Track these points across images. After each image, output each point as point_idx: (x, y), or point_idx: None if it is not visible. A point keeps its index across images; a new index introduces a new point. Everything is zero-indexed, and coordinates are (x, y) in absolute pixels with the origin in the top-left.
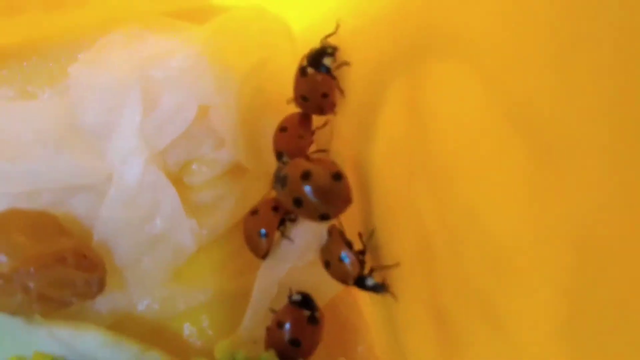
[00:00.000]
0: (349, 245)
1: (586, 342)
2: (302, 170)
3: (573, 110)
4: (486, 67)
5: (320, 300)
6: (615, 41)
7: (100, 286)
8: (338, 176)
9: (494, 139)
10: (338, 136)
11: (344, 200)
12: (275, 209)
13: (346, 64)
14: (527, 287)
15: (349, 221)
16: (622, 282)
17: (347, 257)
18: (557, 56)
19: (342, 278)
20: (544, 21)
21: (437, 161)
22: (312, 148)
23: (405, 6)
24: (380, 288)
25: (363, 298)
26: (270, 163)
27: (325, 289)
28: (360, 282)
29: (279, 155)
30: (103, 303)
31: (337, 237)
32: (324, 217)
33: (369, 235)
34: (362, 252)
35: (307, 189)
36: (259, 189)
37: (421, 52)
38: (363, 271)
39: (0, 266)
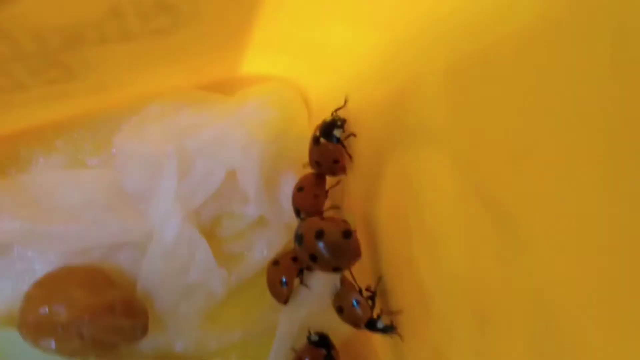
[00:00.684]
0: (360, 292)
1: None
2: (315, 229)
3: (528, 183)
4: (449, 150)
5: (337, 339)
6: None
7: (144, 330)
8: (348, 234)
9: (464, 207)
10: (349, 195)
11: (354, 255)
12: (294, 259)
13: (353, 135)
14: (502, 331)
15: (360, 270)
16: (575, 327)
17: (358, 303)
18: (507, 138)
19: (354, 322)
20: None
21: (427, 223)
22: (327, 204)
23: (388, 94)
24: (388, 329)
25: (375, 338)
26: (291, 217)
27: (341, 330)
28: (370, 325)
29: (297, 211)
30: (146, 345)
31: (348, 285)
32: (336, 270)
33: (376, 283)
34: (371, 298)
35: (321, 246)
36: (281, 240)
37: (403, 136)
38: (373, 315)
39: (59, 316)
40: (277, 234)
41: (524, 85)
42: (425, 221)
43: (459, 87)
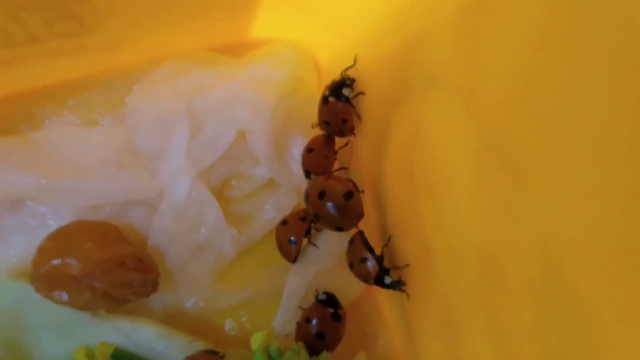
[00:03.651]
0: (370, 248)
1: (558, 339)
2: (319, 189)
3: (539, 137)
4: (459, 103)
5: (344, 300)
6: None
7: (155, 286)
8: (350, 195)
9: (475, 161)
10: (357, 155)
11: (356, 215)
12: (303, 219)
13: (362, 93)
14: (508, 286)
15: (369, 228)
16: (580, 281)
17: (368, 259)
18: (523, 89)
19: (364, 277)
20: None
21: (435, 179)
22: (336, 165)
23: (400, 49)
24: (396, 285)
25: (382, 300)
26: (300, 179)
27: (348, 289)
28: (379, 281)
29: (306, 173)
30: (156, 301)
31: (359, 242)
32: (339, 229)
33: (385, 241)
34: (380, 255)
35: (324, 205)
36: (290, 202)
37: (415, 88)
38: (382, 271)
39: (71, 269)
40: (286, 196)
41: (535, 33)
42: (432, 177)
43: (470, 37)
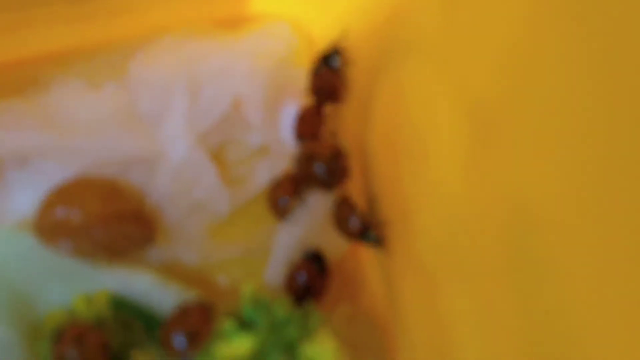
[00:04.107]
0: (354, 208)
1: (520, 277)
2: (308, 152)
3: (513, 103)
4: (443, 67)
5: (330, 257)
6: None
7: (152, 239)
8: (337, 156)
9: (451, 126)
10: (345, 123)
11: (343, 176)
12: (293, 180)
13: (351, 62)
14: (481, 240)
15: (355, 191)
16: (549, 233)
17: (352, 217)
18: (500, 54)
19: (348, 233)
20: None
21: (414, 143)
22: (325, 133)
23: (385, 20)
24: (378, 241)
25: (366, 259)
26: (292, 146)
27: (334, 248)
28: (362, 237)
29: (298, 140)
30: (153, 254)
31: (344, 202)
32: (327, 189)
33: (369, 202)
34: (364, 214)
35: (314, 166)
36: (282, 167)
37: (398, 55)
38: (365, 228)
39: (74, 220)
40: (279, 161)
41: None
42: (412, 141)
43: (453, 7)
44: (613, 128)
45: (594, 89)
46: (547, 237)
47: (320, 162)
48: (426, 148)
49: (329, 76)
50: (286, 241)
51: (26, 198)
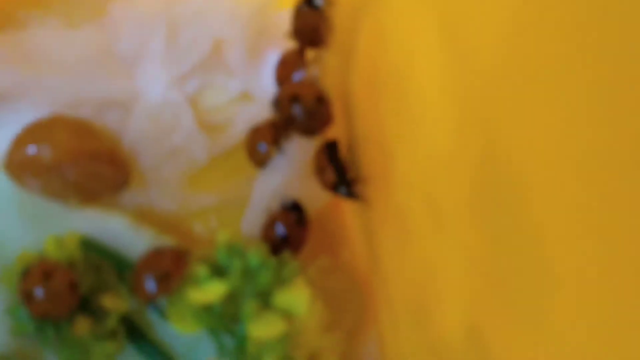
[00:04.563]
0: (333, 157)
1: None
2: (291, 92)
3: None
4: (434, 10)
5: (309, 208)
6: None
7: (125, 181)
8: (321, 99)
9: (429, 54)
10: (328, 67)
11: (326, 119)
12: (273, 126)
13: (333, 2)
14: (452, 178)
15: (336, 140)
16: (522, 172)
17: (327, 167)
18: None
19: (324, 183)
20: None
21: (399, 87)
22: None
23: None
24: (354, 193)
25: (347, 211)
26: (273, 91)
27: (314, 199)
28: (337, 187)
29: (279, 84)
30: (127, 198)
31: (323, 151)
32: (309, 133)
33: (349, 151)
34: (342, 164)
35: (294, 108)
36: (263, 114)
37: None
38: (342, 179)
39: (44, 157)
40: (260, 108)
41: None
42: (394, 87)
43: None
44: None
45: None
46: (526, 182)
47: (301, 105)
48: (405, 85)
49: (311, 16)
50: (264, 190)
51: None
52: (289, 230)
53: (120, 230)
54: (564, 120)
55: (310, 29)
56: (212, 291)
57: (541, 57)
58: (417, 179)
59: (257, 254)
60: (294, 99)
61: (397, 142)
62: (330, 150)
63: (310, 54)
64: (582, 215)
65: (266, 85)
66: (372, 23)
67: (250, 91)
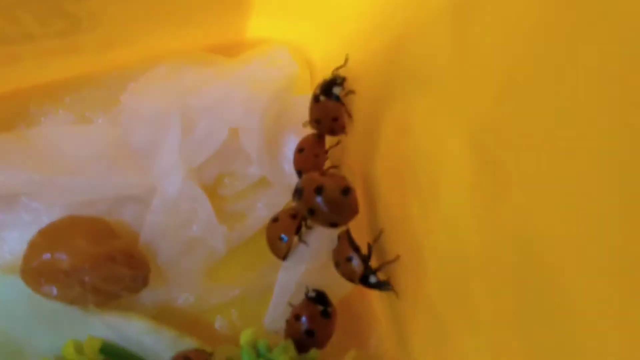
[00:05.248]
0: (356, 248)
1: (529, 321)
2: (315, 184)
3: (522, 135)
4: (450, 98)
5: (334, 297)
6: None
7: (145, 282)
8: (347, 191)
9: (459, 160)
10: (348, 154)
11: (351, 212)
12: (294, 216)
13: (353, 92)
14: (491, 282)
15: (359, 226)
16: (559, 276)
17: (353, 258)
18: (500, 86)
19: (350, 276)
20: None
21: (421, 177)
22: (327, 164)
23: (387, 47)
24: (382, 285)
25: (374, 298)
26: (292, 178)
27: (338, 287)
28: (365, 280)
29: (299, 172)
30: (147, 297)
31: (345, 241)
32: (333, 225)
33: (374, 240)
34: (367, 255)
35: (319, 201)
36: (282, 200)
37: (402, 85)
38: (368, 271)
39: (61, 263)
40: (278, 194)
41: (527, 23)
42: (419, 175)
43: (455, 34)
44: (623, 156)
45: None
46: (561, 280)
47: (326, 196)
48: (436, 184)
49: (330, 106)
50: (287, 281)
51: (14, 239)
52: (315, 324)
53: (141, 334)
54: (598, 227)
55: (329, 118)
56: None
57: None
58: (449, 275)
59: (283, 355)
60: (319, 190)
61: (426, 235)
62: (352, 240)
63: (330, 140)
64: (622, 311)
65: (284, 170)
66: (395, 111)
67: (269, 176)
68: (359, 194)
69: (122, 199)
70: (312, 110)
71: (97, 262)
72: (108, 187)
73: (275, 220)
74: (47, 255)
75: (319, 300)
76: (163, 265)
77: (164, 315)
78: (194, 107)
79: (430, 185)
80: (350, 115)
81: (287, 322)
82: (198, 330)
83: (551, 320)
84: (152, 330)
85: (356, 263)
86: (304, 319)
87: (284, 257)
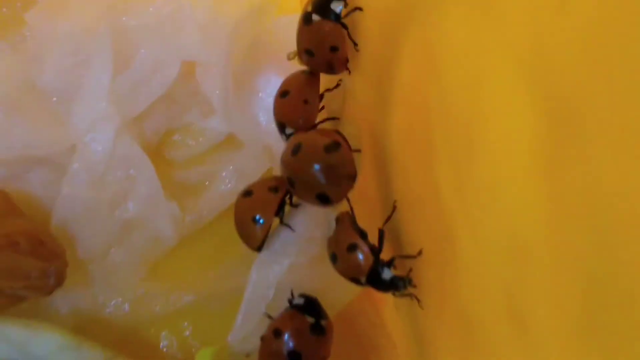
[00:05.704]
0: (361, 233)
1: (603, 338)
2: (293, 143)
3: (597, 69)
4: (500, 20)
5: (330, 307)
6: None
7: (59, 279)
8: (332, 146)
9: (514, 110)
10: (353, 100)
11: (345, 176)
12: (275, 189)
13: (359, 9)
14: (548, 285)
15: (367, 204)
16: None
17: (357, 247)
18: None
19: (353, 273)
20: None
21: (458, 135)
22: (322, 117)
23: None
24: (400, 283)
25: (385, 307)
26: (271, 135)
27: (336, 293)
28: (375, 279)
29: (280, 126)
30: (63, 301)
31: (346, 223)
32: (323, 199)
33: (386, 220)
34: (378, 244)
35: (298, 163)
36: (256, 167)
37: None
38: (379, 264)
39: None
40: (251, 158)
41: None
42: (455, 132)
43: None
44: None
45: None
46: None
47: (311, 155)
48: (478, 145)
49: (326, 30)
50: (262, 283)
51: None
52: (302, 343)
53: (54, 352)
54: None
55: (326, 47)
56: None
57: None
58: (495, 276)
59: None
60: (299, 148)
61: (461, 215)
62: (354, 221)
63: (325, 79)
64: None
65: (260, 123)
66: (421, 41)
67: (238, 133)
68: (368, 158)
69: (27, 161)
70: (302, 36)
71: None
72: (7, 143)
73: (247, 194)
74: None
75: (308, 309)
76: (85, 257)
77: (87, 328)
78: (131, 29)
79: (470, 147)
80: (355, 44)
81: (263, 339)
82: (134, 348)
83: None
84: (69, 347)
85: (362, 254)
86: (286, 335)
87: (259, 248)
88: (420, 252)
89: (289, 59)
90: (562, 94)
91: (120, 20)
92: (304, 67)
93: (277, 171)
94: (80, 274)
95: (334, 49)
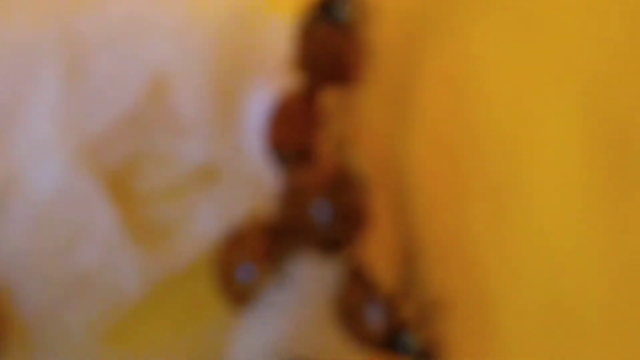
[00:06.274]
0: (374, 288)
1: None
2: (289, 177)
3: None
4: (541, 28)
5: None
6: None
7: None
8: (340, 182)
9: (569, 134)
10: (363, 123)
11: (354, 223)
12: (268, 233)
13: (370, 13)
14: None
15: (381, 248)
16: None
17: (371, 306)
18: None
19: (367, 338)
20: None
21: (497, 165)
22: (323, 140)
23: None
24: (423, 353)
25: None
26: (258, 163)
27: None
28: (394, 343)
29: (271, 153)
30: None
31: (355, 276)
32: (327, 247)
33: (406, 270)
34: (394, 300)
35: (298, 206)
36: (240, 203)
37: (464, 7)
38: (396, 328)
39: None
40: (235, 191)
41: None
42: (492, 162)
43: None
44: None
45: None
46: None
47: (318, 202)
48: (518, 179)
49: (330, 38)
50: (250, 349)
51: None
52: None
53: None
54: None
55: (330, 57)
56: None
57: None
58: (546, 338)
59: None
60: (303, 192)
61: (503, 265)
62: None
63: (329, 95)
64: None
65: (247, 153)
66: (449, 50)
67: (219, 163)
68: (382, 195)
69: None
70: (300, 43)
71: None
72: None
73: (233, 238)
74: None
75: None
76: (30, 316)
77: None
78: (86, 36)
79: (511, 185)
80: (366, 54)
81: None
82: None
83: None
84: None
85: (375, 315)
86: None
87: (244, 303)
88: (448, 306)
89: (283, 71)
90: (625, 131)
91: (72, 24)
92: (301, 81)
93: (267, 209)
94: (23, 338)
95: (339, 58)
